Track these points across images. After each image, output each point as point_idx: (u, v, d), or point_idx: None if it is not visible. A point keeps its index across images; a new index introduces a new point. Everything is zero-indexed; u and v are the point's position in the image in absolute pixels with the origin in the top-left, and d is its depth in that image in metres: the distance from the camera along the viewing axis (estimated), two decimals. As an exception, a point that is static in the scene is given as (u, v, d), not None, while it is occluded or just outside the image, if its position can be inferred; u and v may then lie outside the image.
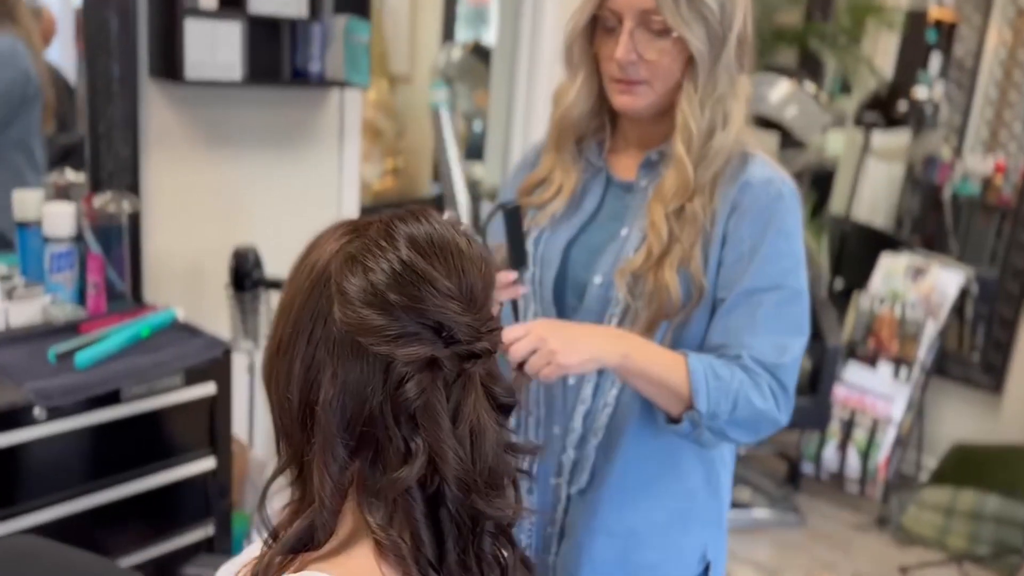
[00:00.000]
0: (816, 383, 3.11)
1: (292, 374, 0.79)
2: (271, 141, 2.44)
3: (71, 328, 1.93)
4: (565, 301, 1.27)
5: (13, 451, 1.57)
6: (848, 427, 3.37)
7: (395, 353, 0.75)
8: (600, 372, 1.21)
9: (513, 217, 1.17)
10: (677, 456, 1.23)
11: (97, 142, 2.10)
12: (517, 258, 1.18)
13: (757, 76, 3.16)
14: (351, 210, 2.66)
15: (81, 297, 2.05)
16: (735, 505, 3.30)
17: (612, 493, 1.22)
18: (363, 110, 2.72)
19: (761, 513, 3.35)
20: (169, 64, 2.08)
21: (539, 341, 1.05)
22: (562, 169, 1.28)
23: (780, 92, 3.12)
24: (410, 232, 0.78)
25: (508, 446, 0.85)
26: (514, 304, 1.18)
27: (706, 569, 1.28)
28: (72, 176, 2.20)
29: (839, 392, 3.35)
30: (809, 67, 3.68)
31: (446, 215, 1.09)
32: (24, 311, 1.95)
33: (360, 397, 0.77)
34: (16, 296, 1.97)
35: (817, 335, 3.32)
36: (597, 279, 1.22)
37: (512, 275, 1.15)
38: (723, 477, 1.30)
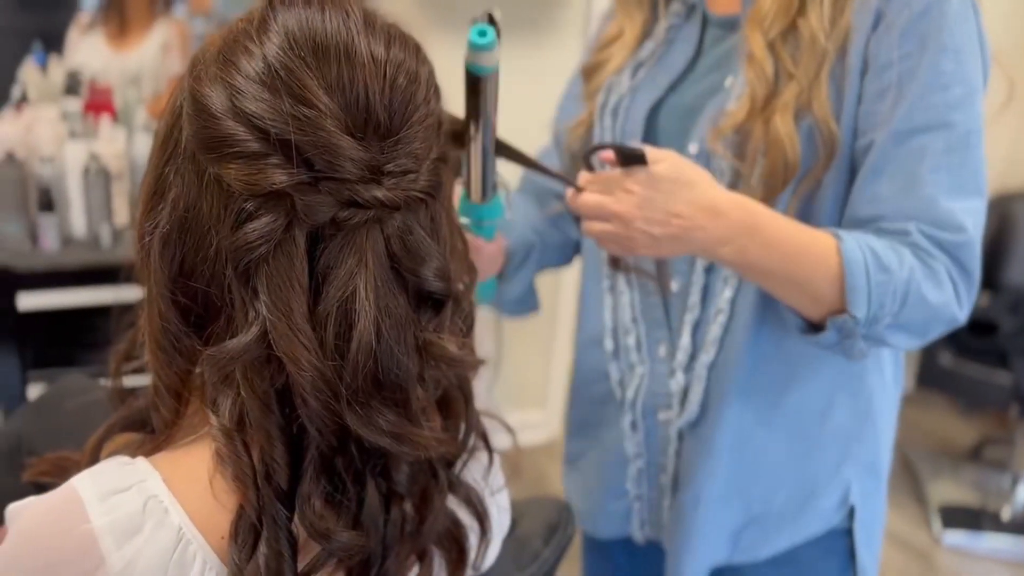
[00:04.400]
0: None
1: (143, 193, 0.61)
2: (508, 29, 2.25)
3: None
4: None
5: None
6: None
7: (235, 176, 0.53)
8: (709, 270, 0.93)
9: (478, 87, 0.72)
10: (811, 372, 0.95)
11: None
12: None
13: None
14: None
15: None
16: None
17: (729, 423, 0.95)
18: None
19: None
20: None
21: (620, 221, 0.80)
22: (624, 12, 0.99)
23: None
24: (289, 21, 0.55)
25: (429, 352, 0.58)
26: None
27: (850, 514, 0.99)
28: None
29: None
30: None
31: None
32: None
33: (198, 237, 0.57)
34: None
35: None
36: (693, 148, 0.91)
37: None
38: (877, 402, 0.98)
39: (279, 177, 0.52)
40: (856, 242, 0.81)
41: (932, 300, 0.81)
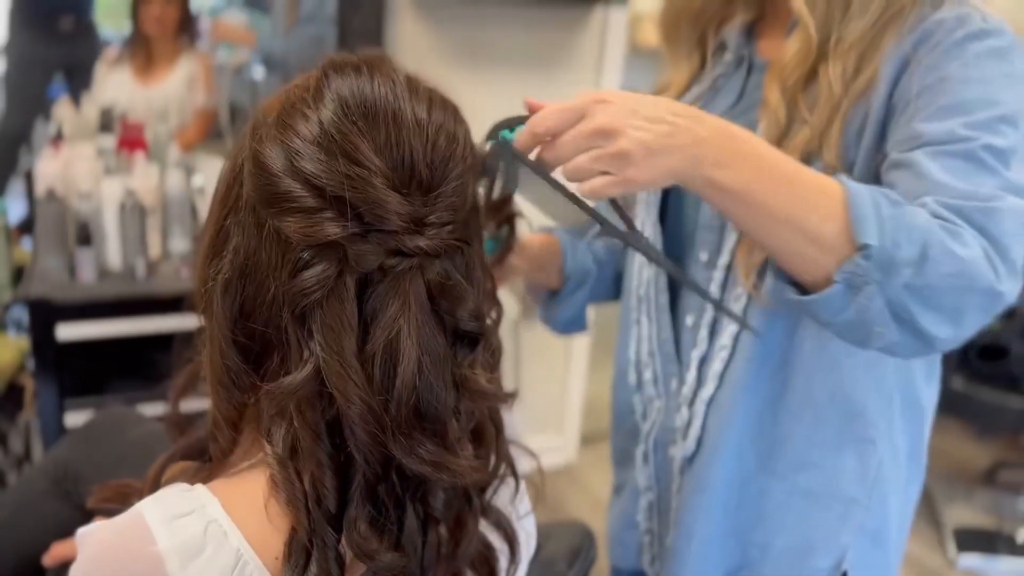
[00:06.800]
0: None
1: (205, 242, 0.67)
2: (524, 65, 2.32)
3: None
4: (683, 221, 0.99)
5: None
6: None
7: (293, 229, 0.59)
8: (718, 309, 0.94)
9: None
10: (814, 422, 0.92)
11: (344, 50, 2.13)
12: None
13: None
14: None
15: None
16: None
17: (726, 462, 0.95)
18: (635, 32, 2.50)
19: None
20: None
21: (600, 132, 0.67)
22: (673, 64, 1.03)
23: None
24: (342, 89, 0.62)
25: (464, 386, 0.64)
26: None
27: None
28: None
29: None
30: None
31: None
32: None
33: (257, 283, 0.63)
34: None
35: None
36: None
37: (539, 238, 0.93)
38: (889, 469, 0.95)
39: (333, 229, 0.58)
40: (859, 184, 0.73)
41: (961, 254, 0.69)
